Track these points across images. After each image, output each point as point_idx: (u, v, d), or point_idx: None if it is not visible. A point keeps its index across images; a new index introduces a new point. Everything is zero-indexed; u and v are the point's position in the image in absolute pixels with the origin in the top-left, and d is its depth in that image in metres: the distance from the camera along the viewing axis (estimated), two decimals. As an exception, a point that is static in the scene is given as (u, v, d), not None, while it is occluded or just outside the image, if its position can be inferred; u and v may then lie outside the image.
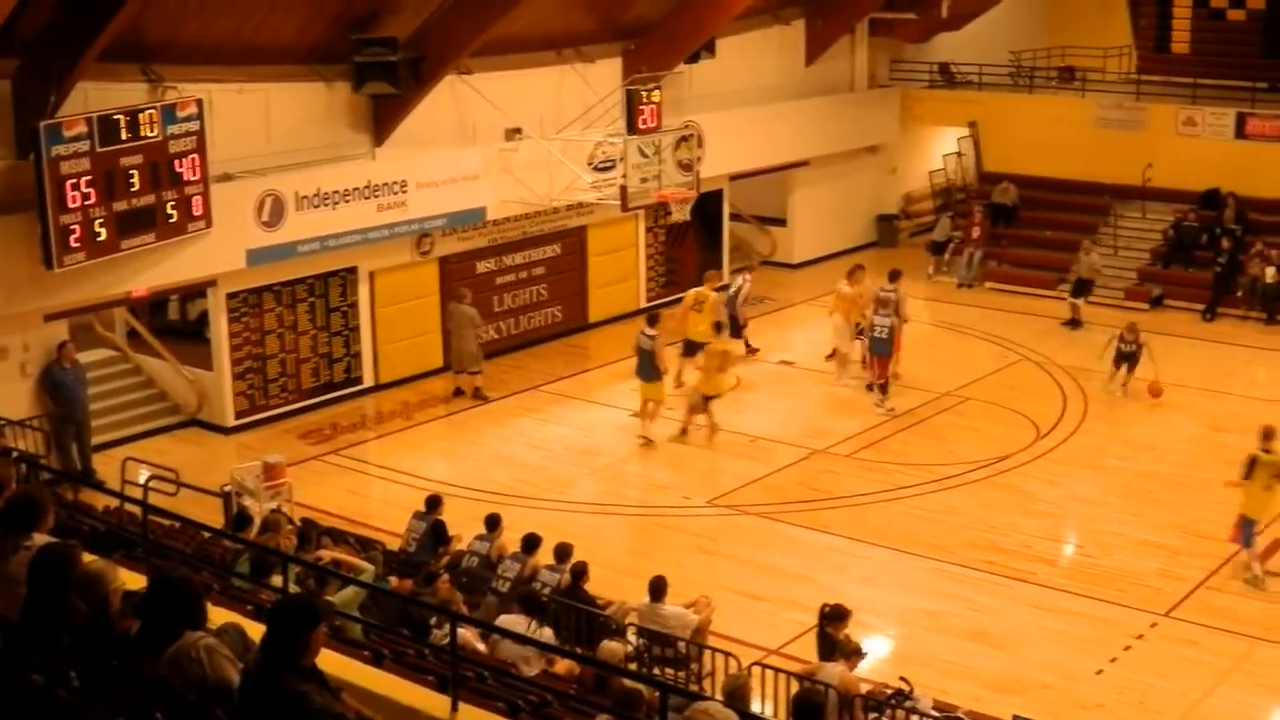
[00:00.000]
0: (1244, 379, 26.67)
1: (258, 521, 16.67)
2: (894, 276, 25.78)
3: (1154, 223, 32.65)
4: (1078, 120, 33.93)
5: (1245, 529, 18.20)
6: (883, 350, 24.45)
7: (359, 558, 15.37)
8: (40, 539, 8.48)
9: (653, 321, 24.03)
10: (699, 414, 23.34)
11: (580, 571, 15.51)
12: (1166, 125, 32.68)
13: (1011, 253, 33.65)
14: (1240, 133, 31.92)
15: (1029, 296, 31.64)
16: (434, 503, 17.48)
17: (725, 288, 28.24)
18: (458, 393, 25.61)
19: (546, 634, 13.86)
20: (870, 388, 24.81)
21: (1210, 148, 32.08)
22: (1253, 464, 18.19)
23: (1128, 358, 24.82)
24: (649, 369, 23.58)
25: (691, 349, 25.37)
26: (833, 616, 14.17)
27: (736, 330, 27.71)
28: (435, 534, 17.18)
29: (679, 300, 27.27)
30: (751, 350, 27.59)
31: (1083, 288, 29.88)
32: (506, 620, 14.00)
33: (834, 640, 13.93)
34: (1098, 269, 30.31)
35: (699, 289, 26.28)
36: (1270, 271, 29.42)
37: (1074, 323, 29.49)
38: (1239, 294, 30.13)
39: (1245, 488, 18.27)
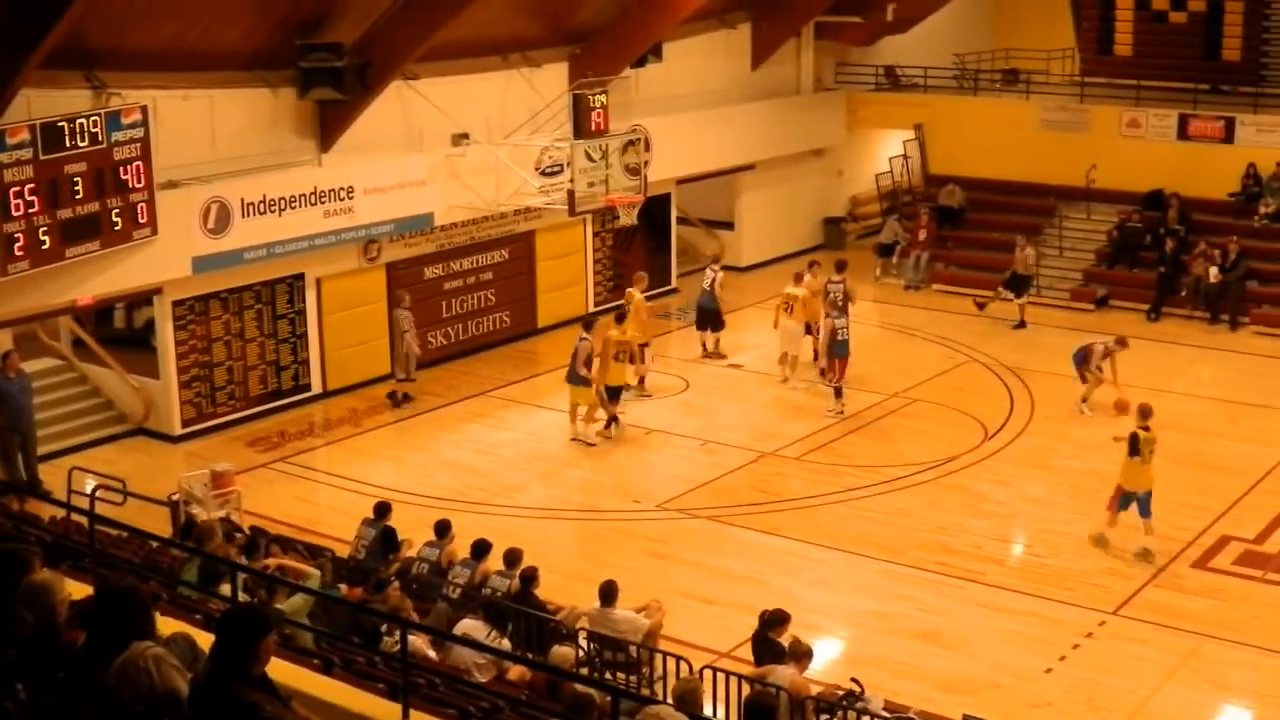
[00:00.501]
0: (1188, 378, 26.85)
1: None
2: (841, 268, 26.40)
3: (1098, 224, 32.88)
4: (1022, 122, 34.17)
5: (1140, 501, 18.91)
6: (842, 352, 24.30)
7: (306, 564, 15.29)
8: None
9: (588, 325, 23.99)
10: (600, 408, 23.57)
11: (530, 577, 15.47)
12: (1110, 127, 32.94)
13: (958, 254, 33.81)
14: (1183, 134, 32.22)
15: (975, 298, 31.77)
16: (383, 509, 17.42)
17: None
18: (397, 400, 25.51)
19: (505, 645, 13.82)
20: (837, 391, 24.52)
21: (1153, 149, 32.35)
22: (1134, 440, 18.92)
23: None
24: (574, 372, 23.41)
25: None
26: (773, 621, 14.19)
27: (718, 322, 27.97)
28: (385, 540, 17.12)
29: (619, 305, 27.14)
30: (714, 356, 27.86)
31: (1019, 283, 29.98)
32: (465, 626, 13.97)
33: (774, 644, 13.95)
34: (1032, 265, 30.39)
35: (629, 290, 26.38)
36: (1213, 271, 29.66)
37: (1021, 324, 29.64)
38: (1183, 294, 30.35)
39: (1127, 463, 18.99)
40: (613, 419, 23.75)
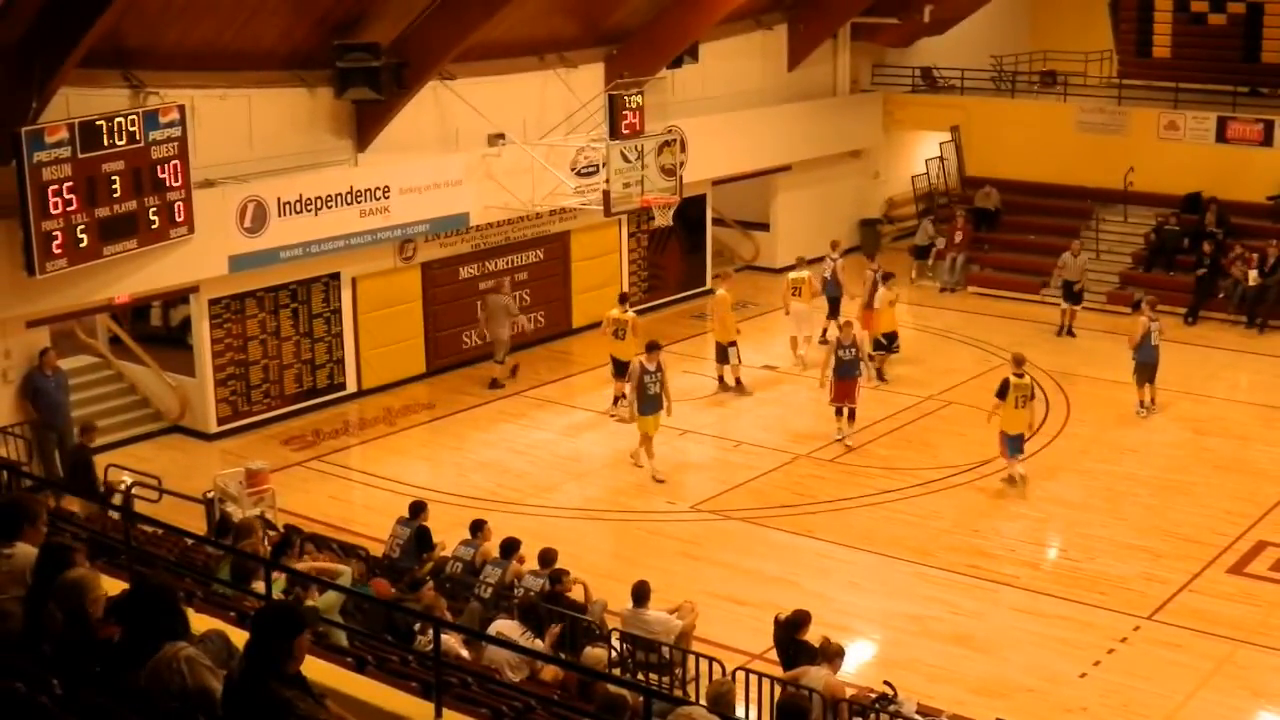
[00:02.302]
0: (1226, 382, 26.71)
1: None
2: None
3: (1136, 227, 32.71)
4: (1059, 124, 34.02)
5: (1011, 443, 21.29)
6: (850, 372, 23.14)
7: (337, 563, 15.31)
8: (23, 549, 8.45)
9: (650, 349, 22.29)
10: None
11: (557, 578, 15.49)
12: (1148, 129, 32.77)
13: (994, 257, 33.70)
14: (1221, 136, 32.02)
15: (1011, 301, 31.71)
16: (418, 508, 17.45)
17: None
18: (493, 384, 26.45)
19: (539, 645, 13.83)
20: (838, 412, 23.39)
21: (1191, 151, 32.17)
22: (1005, 386, 21.18)
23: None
24: (643, 400, 22.02)
25: (620, 369, 24.55)
26: (797, 623, 14.16)
27: (836, 310, 28.18)
28: (419, 540, 17.15)
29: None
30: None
31: (1074, 293, 29.60)
32: (501, 626, 13.99)
33: (804, 645, 13.93)
34: (1083, 273, 30.10)
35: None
36: (1253, 275, 29.46)
37: (1068, 331, 29.37)
38: (1221, 297, 30.19)
39: (1002, 407, 21.19)
40: (619, 397, 24.19)
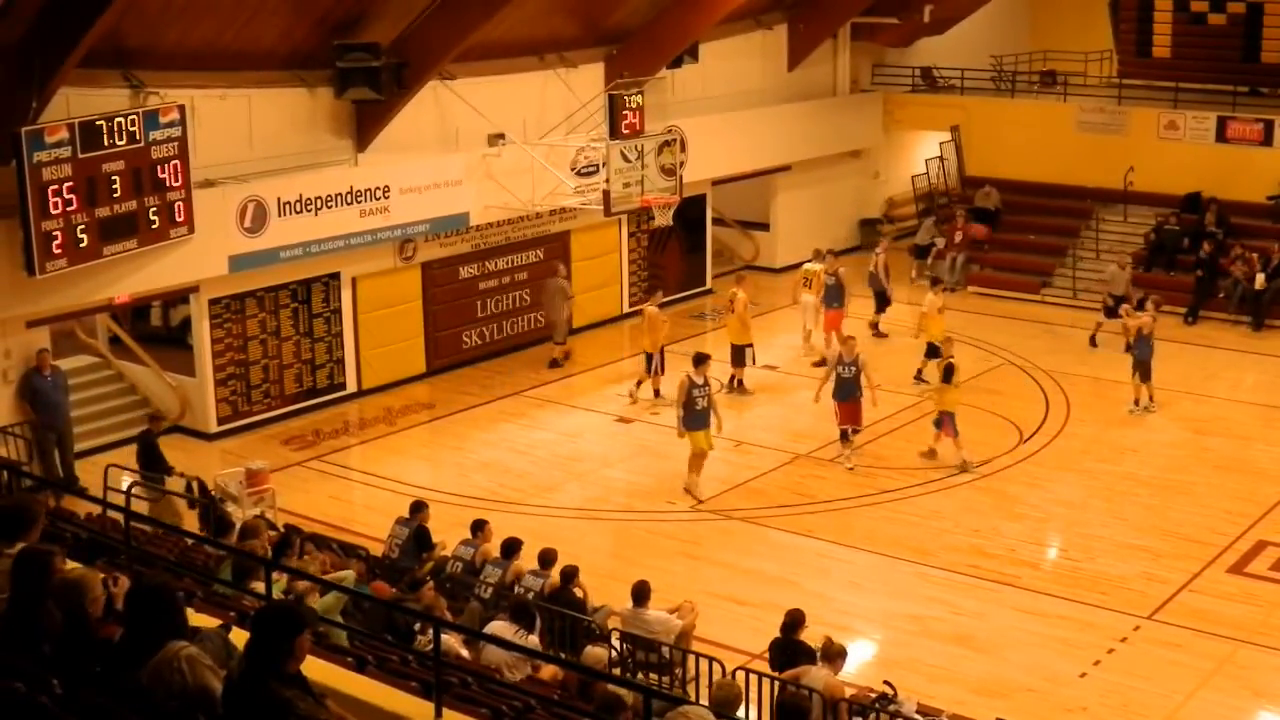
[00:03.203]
0: (1226, 382, 26.70)
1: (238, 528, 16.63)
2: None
3: (1135, 226, 32.70)
4: (1059, 124, 34.02)
5: (951, 423, 22.05)
6: (852, 392, 22.29)
7: (338, 562, 15.33)
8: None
9: (698, 362, 21.50)
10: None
11: (570, 575, 15.50)
12: (1148, 129, 32.78)
13: (994, 256, 33.70)
14: (1221, 136, 32.02)
15: (1011, 300, 31.70)
16: (417, 508, 17.45)
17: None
18: (557, 358, 27.44)
19: (533, 641, 13.84)
20: (844, 436, 22.52)
21: (1191, 151, 32.17)
22: (950, 370, 22.02)
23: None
24: (690, 416, 21.29)
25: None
26: (794, 624, 14.15)
27: (882, 305, 28.80)
28: (418, 540, 17.15)
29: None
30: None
31: (1115, 308, 27.85)
32: (493, 627, 13.99)
33: (802, 646, 13.92)
34: (1131, 286, 28.85)
35: (733, 290, 26.28)
36: (1260, 279, 29.37)
37: (1091, 342, 28.62)
38: (1221, 297, 30.18)
39: (947, 390, 22.10)
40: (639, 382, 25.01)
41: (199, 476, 19.33)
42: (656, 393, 25.41)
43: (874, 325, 28.95)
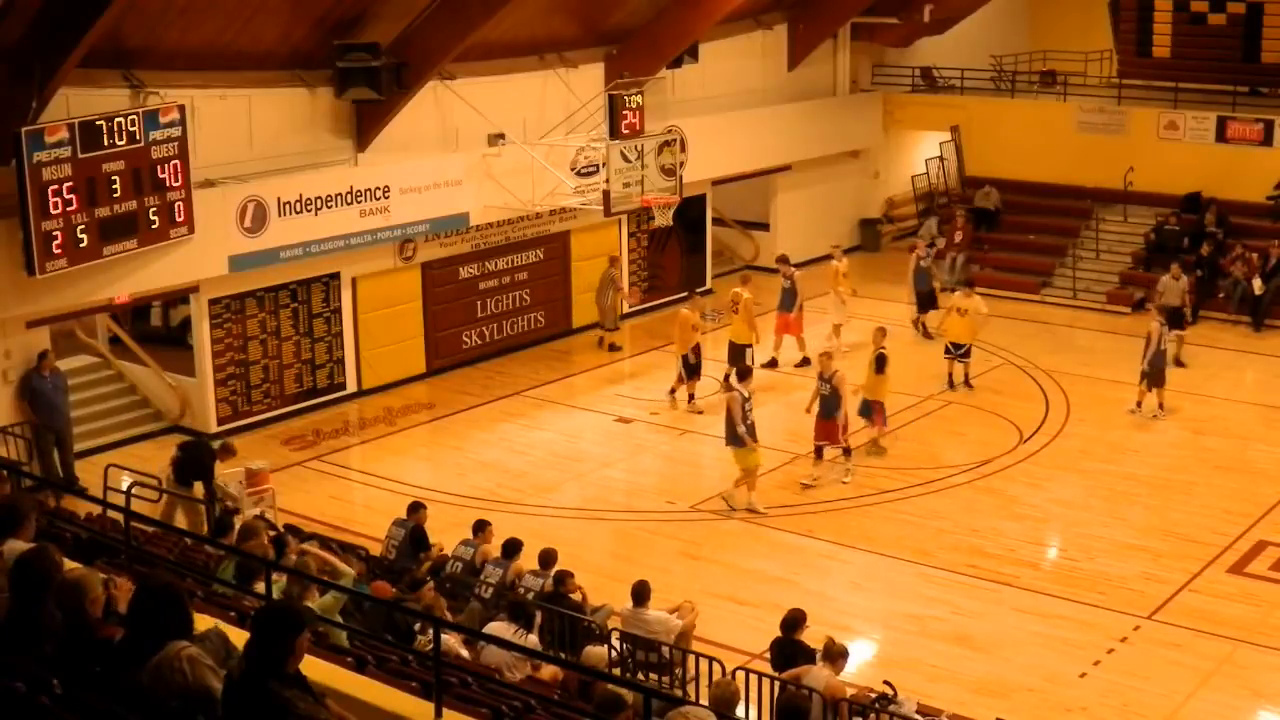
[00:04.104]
0: (1226, 382, 26.67)
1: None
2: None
3: (1135, 226, 32.72)
4: (1059, 124, 34.03)
5: (878, 409, 22.58)
6: (831, 410, 21.67)
7: (338, 559, 15.33)
8: (17, 545, 8.47)
9: (743, 376, 21.44)
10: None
11: (562, 579, 15.49)
12: (1148, 129, 32.78)
13: (994, 256, 33.70)
14: (1221, 136, 32.03)
15: (1011, 300, 31.66)
16: (414, 509, 17.45)
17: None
18: (607, 346, 28.51)
19: (532, 641, 13.85)
20: (818, 453, 21.93)
21: (1191, 151, 32.18)
22: (882, 361, 22.48)
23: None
24: (732, 432, 20.79)
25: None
26: (794, 623, 14.15)
27: (926, 305, 29.06)
28: (414, 541, 17.15)
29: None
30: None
31: (1177, 319, 27.25)
32: (492, 627, 14.00)
33: (802, 646, 13.92)
34: (1187, 296, 28.31)
35: (736, 289, 26.26)
36: (1258, 284, 29.34)
37: (1176, 362, 26.57)
38: (1221, 297, 30.18)
39: (881, 381, 22.51)
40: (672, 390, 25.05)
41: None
42: (691, 397, 25.20)
43: (920, 324, 29.17)
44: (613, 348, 28.62)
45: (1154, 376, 24.16)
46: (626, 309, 29.72)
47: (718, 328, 29.04)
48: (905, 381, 25.76)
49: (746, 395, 20.77)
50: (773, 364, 26.84)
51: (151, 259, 21.24)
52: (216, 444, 19.92)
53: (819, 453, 21.91)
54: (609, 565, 18.56)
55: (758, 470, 20.83)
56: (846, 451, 21.95)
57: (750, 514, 20.55)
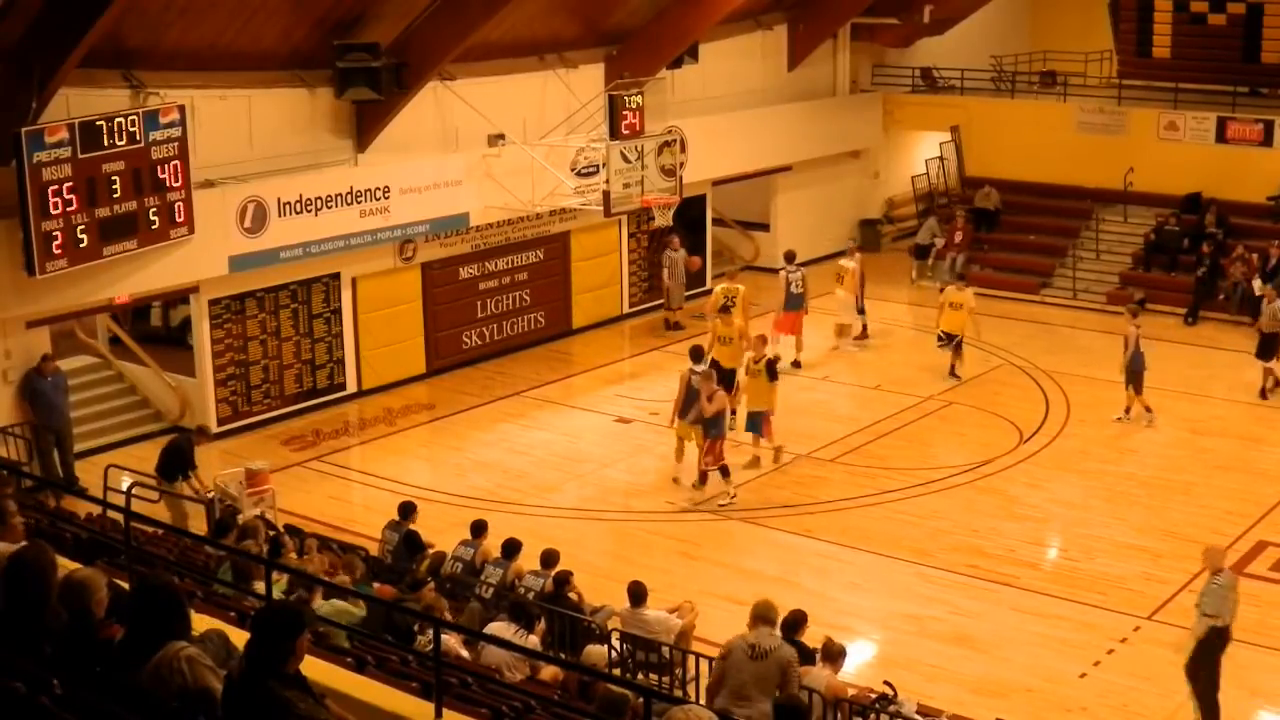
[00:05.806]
0: (1226, 382, 26.65)
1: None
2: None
3: (1135, 227, 32.72)
4: (1059, 125, 34.03)
5: (765, 421, 22.12)
6: (718, 428, 21.09)
7: (339, 567, 15.31)
8: (4, 547, 8.46)
9: (697, 356, 21.90)
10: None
11: (563, 580, 15.48)
12: (1148, 129, 32.78)
13: (994, 257, 33.71)
14: (1221, 137, 32.02)
15: (1011, 300, 31.67)
16: (406, 511, 17.40)
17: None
18: (669, 325, 29.52)
19: (532, 641, 13.84)
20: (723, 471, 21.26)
21: (1191, 152, 32.18)
22: (772, 366, 22.14)
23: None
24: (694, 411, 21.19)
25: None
26: (795, 624, 14.13)
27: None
28: (409, 543, 17.12)
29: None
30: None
31: (1268, 345, 25.73)
32: (492, 627, 13.99)
33: (802, 647, 13.90)
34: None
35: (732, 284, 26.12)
36: (1258, 285, 29.30)
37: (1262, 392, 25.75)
38: (1221, 298, 30.18)
39: (770, 389, 21.93)
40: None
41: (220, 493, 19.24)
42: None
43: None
44: (676, 326, 29.39)
45: (1132, 378, 23.99)
46: (694, 270, 30.45)
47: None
48: (905, 382, 25.83)
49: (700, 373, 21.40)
50: (796, 365, 26.76)
51: (151, 259, 21.24)
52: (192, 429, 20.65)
53: (703, 478, 21.44)
54: (608, 565, 18.56)
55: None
56: (724, 471, 21.20)
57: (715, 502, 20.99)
